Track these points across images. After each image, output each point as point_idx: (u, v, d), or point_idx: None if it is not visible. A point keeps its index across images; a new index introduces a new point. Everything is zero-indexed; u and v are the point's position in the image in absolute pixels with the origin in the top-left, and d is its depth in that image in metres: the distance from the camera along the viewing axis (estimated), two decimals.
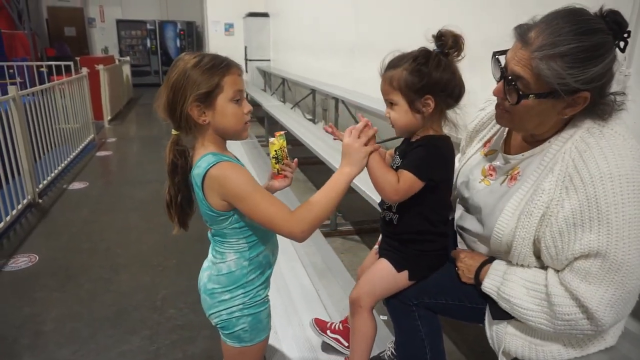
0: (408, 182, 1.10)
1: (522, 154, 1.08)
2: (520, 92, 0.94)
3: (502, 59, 1.01)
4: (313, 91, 5.52)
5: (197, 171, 1.02)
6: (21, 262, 2.73)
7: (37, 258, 2.78)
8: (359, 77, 4.25)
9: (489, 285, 1.09)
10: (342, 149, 1.09)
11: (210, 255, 1.16)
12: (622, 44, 0.91)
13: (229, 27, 9.94)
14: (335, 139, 1.14)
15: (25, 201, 3.52)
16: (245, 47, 9.38)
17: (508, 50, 0.99)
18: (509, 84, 0.95)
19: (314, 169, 4.53)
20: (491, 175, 1.16)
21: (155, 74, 13.05)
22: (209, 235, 1.14)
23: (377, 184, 1.12)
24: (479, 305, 1.16)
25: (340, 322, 1.57)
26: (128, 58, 10.94)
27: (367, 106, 3.33)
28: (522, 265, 1.05)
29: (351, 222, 3.34)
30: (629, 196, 0.88)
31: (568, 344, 1.02)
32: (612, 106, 0.95)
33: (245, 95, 1.12)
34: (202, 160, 1.02)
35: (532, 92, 0.93)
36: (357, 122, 1.10)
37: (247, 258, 1.10)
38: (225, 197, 1.01)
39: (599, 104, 0.94)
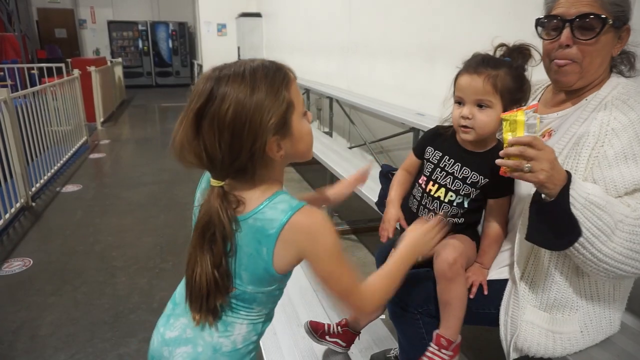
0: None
1: (556, 112, 1.09)
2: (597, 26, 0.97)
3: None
4: (307, 91, 5.52)
5: (270, 215, 0.75)
6: (15, 266, 2.71)
7: (32, 262, 2.76)
8: (353, 76, 4.25)
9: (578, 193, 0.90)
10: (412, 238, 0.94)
11: (194, 324, 0.82)
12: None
13: (221, 28, 9.91)
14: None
15: (18, 205, 3.49)
16: (239, 48, 9.36)
17: (548, 15, 1.03)
18: (585, 19, 0.96)
19: (309, 169, 4.54)
20: None
21: (147, 75, 12.98)
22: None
23: None
24: (485, 310, 1.16)
25: (338, 326, 1.53)
26: (120, 59, 10.86)
27: (361, 105, 3.34)
28: None
29: (347, 221, 3.34)
30: None
31: (584, 329, 1.01)
32: (632, 62, 1.05)
33: None
34: (277, 202, 0.76)
35: (605, 22, 0.96)
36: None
37: (258, 332, 0.86)
38: (303, 255, 0.77)
39: (623, 56, 1.04)
